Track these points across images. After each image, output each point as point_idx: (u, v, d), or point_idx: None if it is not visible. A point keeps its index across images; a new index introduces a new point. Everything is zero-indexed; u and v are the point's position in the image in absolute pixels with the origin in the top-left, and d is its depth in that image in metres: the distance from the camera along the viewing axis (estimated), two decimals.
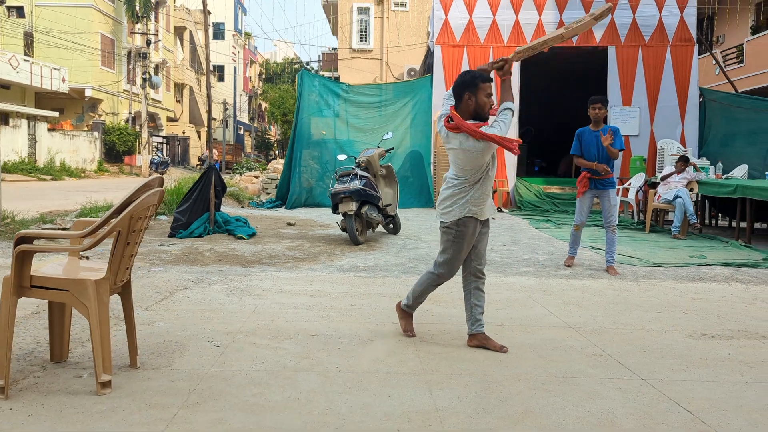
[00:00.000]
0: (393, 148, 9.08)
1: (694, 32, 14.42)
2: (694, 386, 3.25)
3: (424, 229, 9.96)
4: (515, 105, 3.87)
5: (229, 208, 12.17)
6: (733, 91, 15.52)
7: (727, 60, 20.95)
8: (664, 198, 10.02)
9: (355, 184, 7.69)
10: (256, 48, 61.94)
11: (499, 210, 13.66)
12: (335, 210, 7.88)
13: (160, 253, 7.06)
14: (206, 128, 45.09)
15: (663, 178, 10.20)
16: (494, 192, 14.11)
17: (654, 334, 4.24)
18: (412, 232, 9.51)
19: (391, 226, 8.96)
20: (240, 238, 8.06)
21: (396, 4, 26.18)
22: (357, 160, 8.40)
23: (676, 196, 9.70)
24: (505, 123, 3.63)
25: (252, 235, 8.31)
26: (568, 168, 17.43)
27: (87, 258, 5.41)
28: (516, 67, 14.53)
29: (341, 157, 8.77)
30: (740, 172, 12.32)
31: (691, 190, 10.04)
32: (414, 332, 4.05)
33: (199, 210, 8.18)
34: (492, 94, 3.77)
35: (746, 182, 9.21)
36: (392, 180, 8.78)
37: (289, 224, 9.99)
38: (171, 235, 8.09)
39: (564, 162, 18.21)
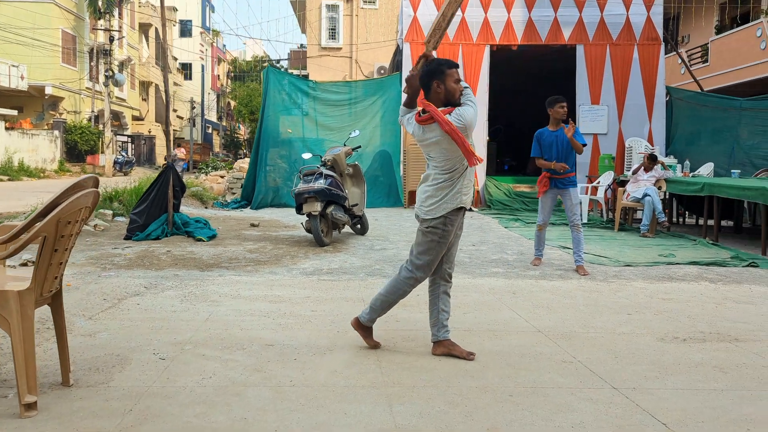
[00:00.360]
0: (360, 147, 8.85)
1: (660, 31, 14.47)
2: (669, 395, 3.08)
3: (393, 230, 9.75)
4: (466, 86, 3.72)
5: (191, 209, 11.80)
6: (699, 90, 15.63)
7: (692, 59, 21.17)
8: (633, 196, 9.97)
9: (320, 184, 7.44)
10: (224, 46, 61.07)
11: (470, 209, 13.52)
12: (299, 210, 7.62)
13: (114, 256, 6.72)
14: (168, 126, 44.29)
15: (634, 172, 10.17)
16: None
17: (625, 338, 4.09)
18: (381, 233, 9.29)
19: (359, 226, 8.73)
20: (199, 240, 7.74)
21: (365, 1, 25.95)
22: (322, 159, 8.15)
23: (645, 195, 9.65)
24: (473, 101, 3.57)
25: (212, 237, 7.99)
26: (537, 167, 17.41)
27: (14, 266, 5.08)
28: (485, 66, 14.43)
29: (306, 156, 8.50)
30: (706, 170, 12.39)
31: (659, 188, 10.01)
32: (378, 343, 3.81)
33: (156, 211, 7.84)
34: (460, 80, 3.63)
35: (713, 180, 9.21)
36: (359, 179, 8.55)
37: (253, 225, 9.68)
38: (127, 238, 7.74)
39: (533, 161, 18.18)
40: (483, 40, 14.48)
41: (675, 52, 17.50)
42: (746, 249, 8.46)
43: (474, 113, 3.51)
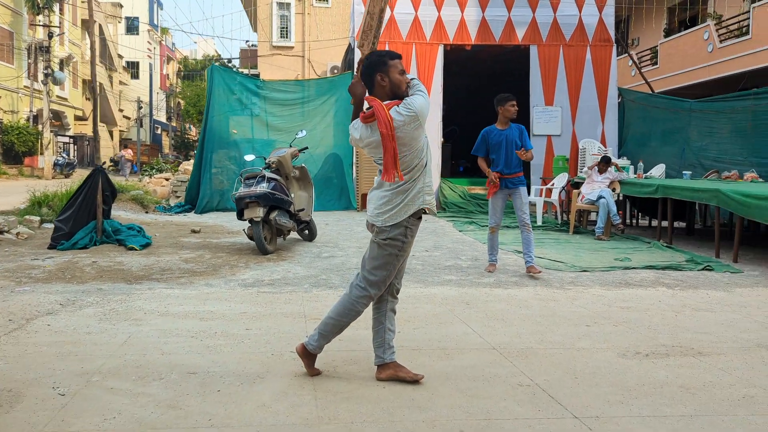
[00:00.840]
0: (307, 148, 8.40)
1: (612, 32, 14.48)
2: (634, 425, 2.78)
3: (344, 235, 9.35)
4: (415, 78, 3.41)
5: (130, 214, 11.16)
6: (650, 92, 15.72)
7: (642, 62, 21.42)
8: (588, 198, 9.82)
9: (263, 188, 6.98)
10: (174, 44, 59.51)
11: (423, 211, 13.21)
12: (240, 216, 7.14)
13: (32, 269, 6.12)
14: (117, 127, 42.87)
15: (590, 168, 10.05)
16: None
17: (585, 355, 3.79)
18: (330, 238, 8.87)
19: (306, 232, 8.30)
20: (131, 249, 7.18)
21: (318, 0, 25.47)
22: (267, 161, 7.68)
23: (600, 197, 9.51)
24: (423, 91, 3.24)
25: (146, 245, 7.43)
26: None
27: None
28: (439, 66, 14.16)
29: (249, 158, 8.01)
30: (658, 171, 12.39)
31: (613, 190, 9.89)
32: (319, 371, 3.40)
33: (84, 218, 7.24)
34: (405, 71, 3.31)
35: (667, 182, 9.11)
36: (306, 182, 8.11)
37: (194, 231, 9.14)
38: (51, 247, 7.12)
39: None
40: (437, 39, 14.22)
41: (626, 54, 17.61)
42: (699, 251, 8.37)
43: (424, 102, 3.18)
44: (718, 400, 3.07)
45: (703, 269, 6.98)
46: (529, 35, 14.30)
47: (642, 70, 16.77)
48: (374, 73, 3.24)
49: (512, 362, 3.62)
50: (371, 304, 3.40)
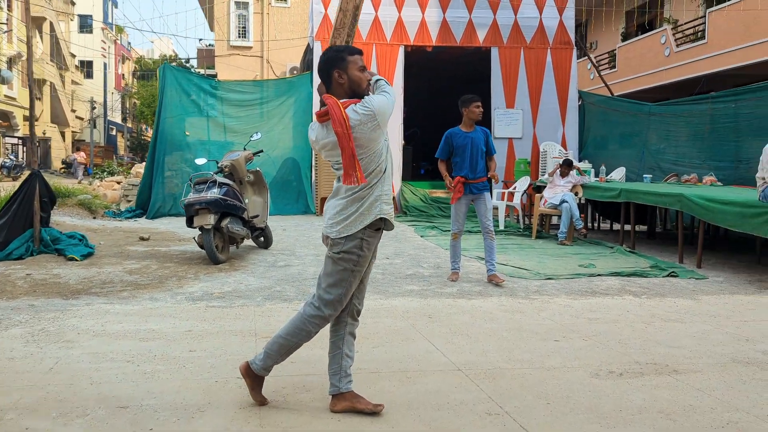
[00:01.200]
0: (262, 151, 8.02)
1: (572, 35, 14.47)
2: None
3: (301, 242, 8.99)
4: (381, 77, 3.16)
5: (76, 220, 10.57)
6: (610, 95, 15.78)
7: (600, 65, 21.59)
8: (550, 203, 9.68)
9: (213, 193, 6.58)
10: (129, 44, 57.98)
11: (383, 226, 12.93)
12: (190, 224, 6.73)
13: None
14: (70, 127, 41.41)
15: (551, 174, 9.90)
16: None
17: (556, 375, 3.55)
18: (287, 245, 8.50)
19: (261, 239, 7.91)
20: (71, 259, 6.69)
21: None
22: (219, 165, 7.28)
23: (563, 201, 9.37)
24: (388, 92, 2.97)
25: (88, 255, 6.95)
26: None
27: None
28: (399, 67, 13.91)
29: (200, 161, 7.59)
30: (618, 174, 12.36)
31: (576, 194, 9.77)
32: (266, 400, 3.07)
33: (19, 226, 6.72)
34: (366, 68, 3.03)
35: (630, 186, 9.03)
36: (261, 187, 7.73)
37: (143, 239, 8.65)
38: None
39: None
40: (397, 40, 13.97)
41: (586, 57, 17.67)
42: (662, 256, 8.29)
43: (385, 102, 2.89)
44: (701, 427, 2.85)
45: (668, 276, 6.86)
46: (490, 37, 14.18)
47: (601, 74, 16.84)
48: (331, 70, 2.96)
49: (479, 386, 3.35)
50: (329, 325, 3.09)
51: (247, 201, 7.25)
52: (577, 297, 5.73)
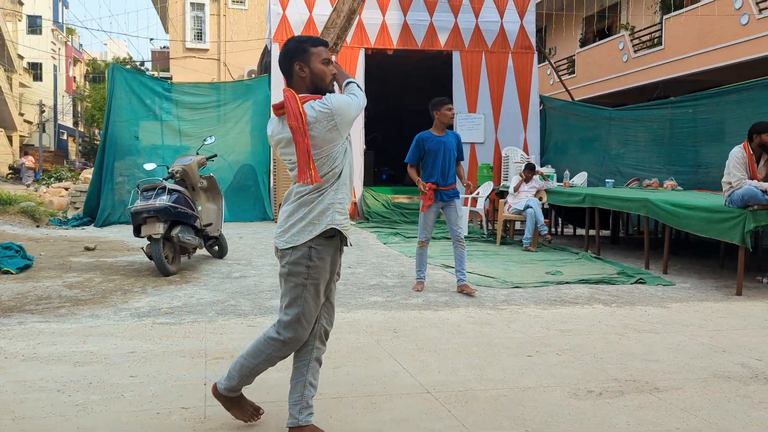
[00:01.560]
0: (216, 155, 7.61)
1: (533, 40, 14.43)
2: None
3: (258, 250, 8.60)
4: (353, 79, 2.93)
5: (18, 229, 9.94)
6: (570, 100, 15.82)
7: (559, 71, 21.74)
8: (515, 208, 9.52)
9: (162, 201, 6.17)
10: (81, 45, 56.26)
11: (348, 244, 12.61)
12: (137, 233, 6.29)
13: None
14: (17, 132, 39.86)
15: (516, 189, 9.69)
16: None
17: (532, 396, 3.29)
18: (243, 255, 8.10)
19: (216, 248, 7.50)
20: (6, 272, 6.17)
21: (234, 1, 24.45)
22: (170, 170, 6.86)
23: (527, 206, 9.22)
24: (357, 95, 2.73)
25: (25, 267, 6.44)
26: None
27: None
28: (360, 70, 13.64)
29: (149, 167, 7.13)
30: (580, 179, 12.31)
31: (540, 199, 9.63)
32: (257, 413, 2.85)
33: None
34: (331, 61, 2.77)
35: (595, 191, 8.93)
36: (215, 193, 7.33)
37: (88, 249, 8.13)
38: None
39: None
40: (357, 43, 13.70)
41: (546, 62, 17.73)
42: (627, 261, 8.20)
43: (348, 103, 2.63)
44: None
45: (635, 282, 6.73)
46: (451, 41, 14.03)
47: (561, 79, 16.89)
48: (292, 62, 2.70)
49: (451, 411, 3.07)
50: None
51: (199, 208, 6.85)
52: (547, 306, 5.52)
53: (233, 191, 12.59)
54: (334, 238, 2.68)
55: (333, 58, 3.00)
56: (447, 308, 5.37)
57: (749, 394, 3.35)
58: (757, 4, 14.12)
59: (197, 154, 7.23)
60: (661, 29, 17.17)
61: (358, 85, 2.81)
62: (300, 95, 2.64)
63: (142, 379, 3.44)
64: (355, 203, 13.53)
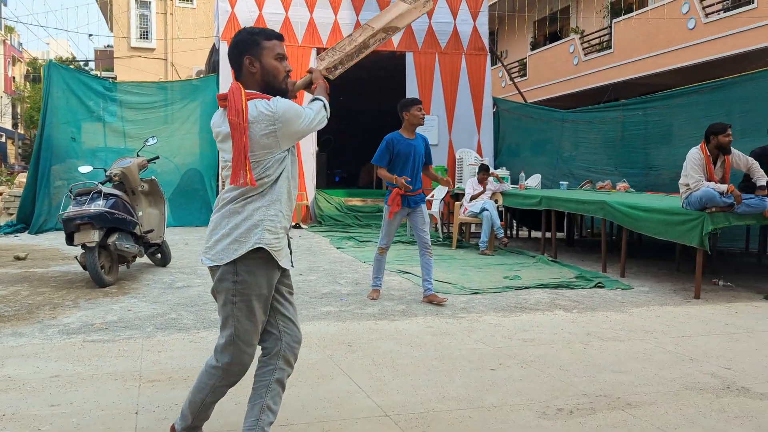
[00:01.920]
0: (158, 157, 7.13)
1: (486, 41, 14.35)
2: None
3: None
4: (323, 100, 2.61)
5: None
6: (524, 102, 15.82)
7: (511, 74, 21.86)
8: (471, 211, 9.34)
9: (98, 206, 5.70)
10: (21, 44, 53.93)
11: (297, 226, 12.24)
12: (70, 241, 5.81)
13: None
14: None
15: (473, 198, 9.48)
16: None
17: (499, 416, 3.04)
18: (188, 262, 7.65)
19: (158, 256, 7.05)
20: None
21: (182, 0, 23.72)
22: (107, 173, 6.38)
23: (483, 209, 9.05)
24: (313, 110, 2.49)
25: None
26: (369, 178, 16.61)
27: None
28: None
29: (84, 169, 6.61)
30: (534, 181, 12.26)
31: (495, 201, 9.49)
32: None
33: None
34: (286, 57, 2.52)
35: (551, 193, 8.82)
36: (157, 197, 6.86)
37: (18, 258, 7.55)
38: None
39: (365, 171, 17.38)
40: (309, 42, 13.34)
41: (500, 64, 17.73)
42: (584, 264, 8.11)
43: (300, 114, 2.39)
44: None
45: (594, 287, 6.61)
46: (404, 41, 13.81)
47: (514, 81, 16.90)
48: (242, 56, 2.44)
49: None
50: (255, 368, 2.53)
51: (140, 213, 6.39)
52: (507, 314, 5.31)
53: (179, 195, 12.07)
54: (269, 260, 2.41)
55: (315, 71, 2.77)
56: (404, 317, 5.10)
57: (724, 408, 3.18)
58: (704, 8, 14.40)
59: (137, 155, 6.76)
60: (611, 33, 17.39)
61: (325, 106, 2.54)
62: (247, 91, 2.39)
63: (63, 410, 3.04)
64: (307, 206, 13.16)
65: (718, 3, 14.61)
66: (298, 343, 2.58)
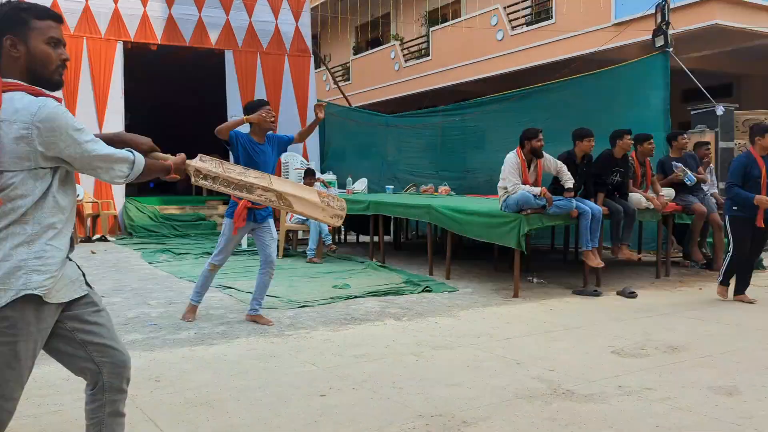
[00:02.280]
0: None
1: (309, 43, 14.12)
2: None
3: None
4: (137, 158, 2.09)
5: None
6: (348, 106, 15.81)
7: (334, 77, 21.89)
8: (297, 218, 8.98)
9: None
10: None
11: (103, 239, 11.00)
12: None
13: None
14: None
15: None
16: (97, 216, 11.41)
17: None
18: None
19: None
20: None
21: None
22: None
23: None
24: (108, 150, 1.98)
25: None
26: (187, 183, 15.51)
27: None
28: (118, 66, 12.08)
29: None
30: (361, 185, 12.21)
31: None
32: None
33: None
34: (64, 43, 2.04)
35: (378, 198, 8.74)
36: None
37: None
38: None
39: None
40: (114, 35, 12.13)
41: (323, 67, 17.59)
42: (411, 268, 8.11)
43: (74, 127, 1.89)
44: None
45: (422, 291, 6.57)
46: (223, 39, 13.10)
47: (339, 84, 16.86)
48: (1, 34, 1.93)
49: None
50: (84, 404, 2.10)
51: None
52: (337, 327, 5.02)
53: None
54: (39, 299, 1.87)
55: (187, 163, 2.38)
56: (224, 340, 4.59)
57: (554, 416, 3.13)
58: (510, 21, 15.41)
59: None
60: (428, 41, 18.03)
61: (133, 164, 2.03)
62: (5, 80, 1.86)
63: None
64: (114, 216, 11.91)
65: (521, 18, 15.74)
66: (124, 365, 2.13)
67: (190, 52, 13.15)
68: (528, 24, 15.43)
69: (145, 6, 12.34)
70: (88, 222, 11.34)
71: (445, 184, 11.50)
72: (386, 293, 6.42)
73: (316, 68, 14.98)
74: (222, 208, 13.23)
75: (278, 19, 13.66)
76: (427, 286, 6.72)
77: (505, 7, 15.53)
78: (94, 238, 10.85)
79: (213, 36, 13.00)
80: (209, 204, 13.33)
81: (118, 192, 12.08)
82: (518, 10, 15.80)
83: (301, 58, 13.92)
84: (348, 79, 21.09)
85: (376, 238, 9.02)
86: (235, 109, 13.10)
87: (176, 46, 12.75)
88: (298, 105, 13.85)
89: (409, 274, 7.55)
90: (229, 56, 13.12)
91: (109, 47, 12.01)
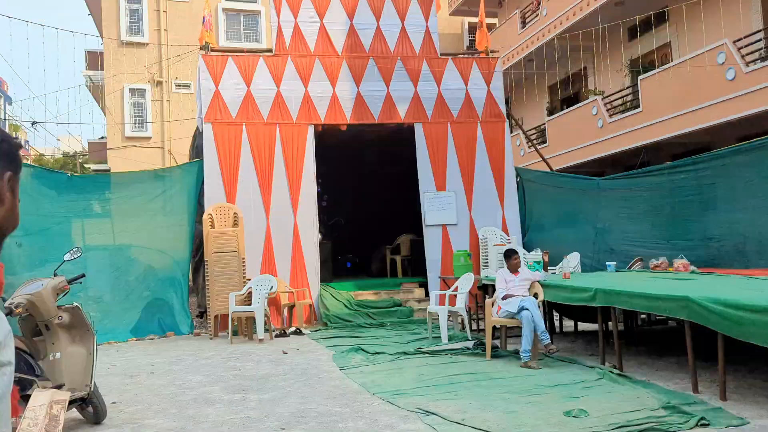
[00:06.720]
0: (84, 276, 5.42)
1: (503, 107, 12.88)
2: None
3: (168, 393, 6.29)
4: None
5: None
6: (549, 170, 14.17)
7: (531, 141, 20.41)
8: (506, 310, 7.44)
9: None
10: (28, 142, 54.11)
11: (298, 331, 10.36)
12: None
13: None
14: None
15: (505, 298, 7.58)
16: (292, 306, 10.89)
17: None
18: (137, 410, 5.76)
19: (90, 409, 5.18)
20: None
21: (178, 85, 22.85)
22: (6, 304, 4.65)
23: (522, 308, 7.15)
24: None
25: None
26: (382, 264, 14.76)
27: None
28: (310, 149, 11.81)
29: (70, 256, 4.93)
30: (573, 262, 10.31)
31: (535, 295, 7.59)
32: None
33: None
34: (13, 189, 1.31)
35: (606, 285, 6.86)
36: (83, 331, 5.03)
37: None
38: None
39: (377, 257, 15.52)
40: (305, 119, 11.92)
41: (520, 130, 16.23)
42: (660, 376, 6.14)
43: None
44: None
45: (697, 425, 4.64)
46: (412, 112, 12.37)
47: (537, 148, 15.32)
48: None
49: None
50: None
51: (51, 357, 4.61)
52: None
53: (144, 297, 10.47)
54: None
55: None
56: None
57: None
58: (743, 57, 12.87)
59: (55, 275, 5.03)
60: (636, 91, 15.91)
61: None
62: None
63: None
64: (310, 305, 11.32)
65: (756, 52, 13.11)
66: None
67: (379, 129, 12.60)
68: (763, 59, 12.76)
69: (334, 87, 12.07)
70: (285, 312, 10.85)
71: (681, 257, 9.32)
72: (644, 430, 4.58)
73: (511, 132, 13.66)
74: (418, 292, 12.14)
75: (468, 85, 12.67)
76: (702, 417, 4.76)
77: (734, 42, 13.04)
78: (289, 331, 10.25)
79: (401, 109, 12.32)
80: (404, 287, 12.31)
81: (314, 279, 11.55)
82: (751, 43, 13.20)
83: (495, 123, 12.71)
84: (544, 142, 19.46)
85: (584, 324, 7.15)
86: (427, 185, 12.18)
87: (365, 124, 12.26)
88: (494, 174, 12.55)
89: (663, 391, 5.60)
90: (418, 129, 12.33)
91: (301, 131, 11.81)
